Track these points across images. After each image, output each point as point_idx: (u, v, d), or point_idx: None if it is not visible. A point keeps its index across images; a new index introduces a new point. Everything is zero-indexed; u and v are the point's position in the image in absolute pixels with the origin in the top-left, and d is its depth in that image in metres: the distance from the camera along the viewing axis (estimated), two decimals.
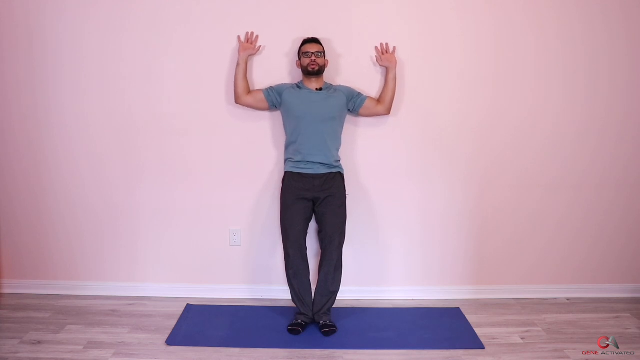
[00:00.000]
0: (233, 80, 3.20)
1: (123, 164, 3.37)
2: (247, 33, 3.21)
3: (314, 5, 3.24)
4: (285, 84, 3.18)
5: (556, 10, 3.28)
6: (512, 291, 3.52)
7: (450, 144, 3.38)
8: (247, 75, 3.20)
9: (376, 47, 3.25)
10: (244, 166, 3.37)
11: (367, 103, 3.18)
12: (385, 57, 3.21)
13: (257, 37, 3.22)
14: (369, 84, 3.27)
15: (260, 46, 3.23)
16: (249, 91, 3.18)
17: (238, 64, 3.16)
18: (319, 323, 3.03)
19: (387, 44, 3.23)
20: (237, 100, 3.18)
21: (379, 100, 3.22)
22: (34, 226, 3.44)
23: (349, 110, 3.19)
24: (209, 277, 3.48)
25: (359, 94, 3.19)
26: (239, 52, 3.17)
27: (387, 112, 3.23)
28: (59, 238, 3.45)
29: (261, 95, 3.15)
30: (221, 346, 2.84)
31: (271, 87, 3.17)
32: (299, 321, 3.04)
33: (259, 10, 3.22)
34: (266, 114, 3.29)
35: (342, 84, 3.23)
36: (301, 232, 3.07)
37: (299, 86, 3.13)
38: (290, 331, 2.99)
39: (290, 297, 3.14)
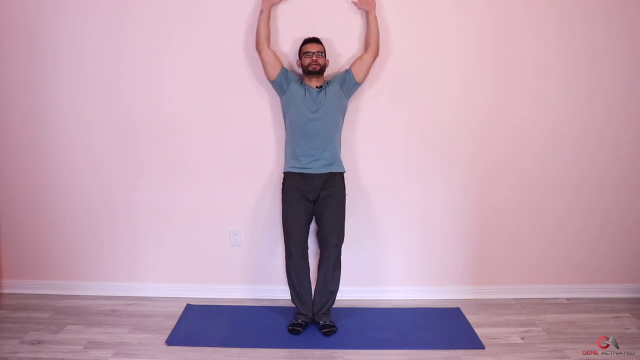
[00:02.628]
0: (235, 76, 3.22)
1: (123, 164, 3.37)
2: None
3: (314, 6, 3.24)
4: (295, 76, 3.15)
5: (556, 10, 3.28)
6: (512, 291, 3.52)
7: (450, 144, 3.37)
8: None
9: None
10: (244, 166, 3.37)
11: (354, 68, 3.13)
12: None
13: None
14: (369, 83, 3.26)
15: None
16: (270, 43, 3.12)
17: (262, 11, 3.11)
18: (319, 323, 3.03)
19: None
20: (258, 47, 3.12)
21: (365, 50, 3.16)
22: (34, 226, 3.44)
23: (354, 85, 3.14)
24: (209, 277, 3.48)
25: (345, 70, 3.16)
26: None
27: (376, 53, 3.15)
28: (59, 238, 3.45)
29: (279, 67, 3.10)
30: (221, 346, 2.84)
31: (288, 71, 3.14)
32: (299, 321, 3.04)
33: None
34: (266, 113, 3.29)
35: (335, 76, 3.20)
36: (304, 232, 3.07)
37: (301, 82, 3.13)
38: (291, 331, 2.99)
39: (290, 297, 3.14)
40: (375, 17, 3.15)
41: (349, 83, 3.13)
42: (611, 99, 3.37)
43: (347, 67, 3.19)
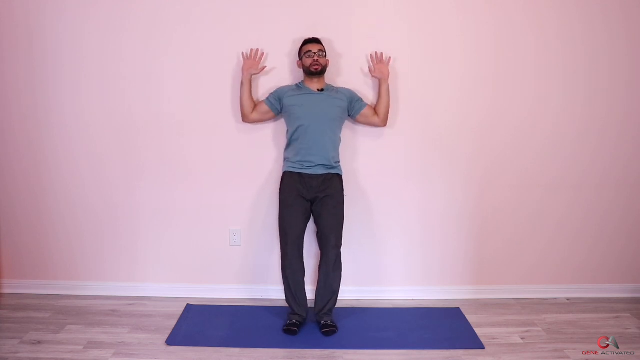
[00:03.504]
0: (233, 81, 3.22)
1: (123, 164, 3.37)
2: (252, 50, 3.19)
3: (314, 6, 3.24)
4: (285, 87, 3.17)
5: (556, 10, 3.28)
6: (512, 291, 3.52)
7: (450, 144, 3.37)
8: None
9: (370, 56, 3.23)
10: (244, 166, 3.37)
11: (365, 110, 3.17)
12: (378, 68, 3.19)
13: (262, 54, 3.20)
14: (369, 83, 3.27)
15: (265, 67, 3.21)
16: (254, 108, 3.17)
17: (242, 84, 3.14)
18: (320, 323, 3.03)
19: (382, 53, 3.22)
20: (244, 119, 3.19)
21: (375, 111, 3.21)
22: (34, 226, 3.44)
23: (350, 116, 3.18)
24: (209, 277, 3.48)
25: (360, 100, 3.18)
26: (242, 70, 3.16)
27: (383, 124, 3.22)
28: (59, 238, 3.45)
29: (264, 107, 3.15)
30: (221, 346, 2.84)
31: (271, 94, 3.16)
32: (294, 321, 3.03)
33: (259, 11, 3.22)
34: None
35: (343, 86, 3.22)
36: (300, 232, 3.06)
37: (299, 86, 3.13)
38: (287, 331, 2.98)
39: (284, 297, 3.12)
40: (388, 89, 3.18)
41: (354, 111, 3.16)
42: (611, 99, 3.37)
43: (352, 82, 3.24)
